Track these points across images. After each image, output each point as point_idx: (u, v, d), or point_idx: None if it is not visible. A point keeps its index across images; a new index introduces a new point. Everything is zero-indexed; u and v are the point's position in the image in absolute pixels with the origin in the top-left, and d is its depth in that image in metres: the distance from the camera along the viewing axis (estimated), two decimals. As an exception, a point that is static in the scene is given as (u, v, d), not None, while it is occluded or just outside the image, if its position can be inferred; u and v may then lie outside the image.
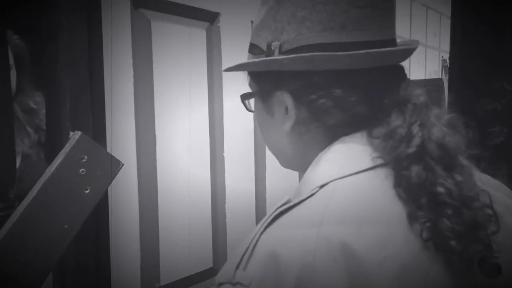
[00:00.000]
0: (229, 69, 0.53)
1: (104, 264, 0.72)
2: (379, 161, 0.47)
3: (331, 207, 0.44)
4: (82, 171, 0.63)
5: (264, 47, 0.51)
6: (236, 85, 1.08)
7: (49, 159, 0.64)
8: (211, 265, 1.30)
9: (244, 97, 0.57)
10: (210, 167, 1.31)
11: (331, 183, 0.47)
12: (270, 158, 1.30)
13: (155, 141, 1.20)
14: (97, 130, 0.67)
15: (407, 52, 0.52)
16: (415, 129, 0.46)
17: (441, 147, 0.45)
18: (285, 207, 0.45)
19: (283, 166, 0.60)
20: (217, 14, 1.18)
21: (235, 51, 1.16)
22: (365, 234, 0.42)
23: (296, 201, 0.45)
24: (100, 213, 0.69)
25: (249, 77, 0.56)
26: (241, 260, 0.43)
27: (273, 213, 0.45)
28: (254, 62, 0.50)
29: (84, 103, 0.66)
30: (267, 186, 1.38)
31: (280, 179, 1.35)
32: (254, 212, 1.33)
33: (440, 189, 0.43)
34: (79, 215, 0.63)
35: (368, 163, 0.47)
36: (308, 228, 0.43)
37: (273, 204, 0.47)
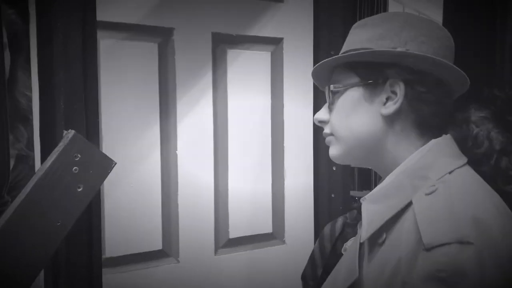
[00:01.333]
0: (363, 54, 0.66)
1: (96, 262, 0.73)
2: (466, 160, 0.64)
3: (472, 188, 0.60)
4: (75, 170, 0.63)
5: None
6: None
7: (43, 158, 0.65)
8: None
9: (346, 86, 0.69)
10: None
11: (456, 170, 0.62)
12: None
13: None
14: (90, 129, 0.68)
15: (467, 85, 0.70)
16: (492, 134, 0.64)
17: (509, 145, 0.64)
18: (434, 188, 0.60)
19: (338, 157, 0.71)
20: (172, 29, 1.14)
21: (189, 62, 1.16)
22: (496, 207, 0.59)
23: (440, 185, 0.60)
24: (92, 211, 0.69)
25: (345, 75, 0.69)
26: (457, 221, 0.55)
27: (434, 186, 0.60)
28: (396, 53, 0.64)
29: (78, 103, 0.67)
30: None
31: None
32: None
33: None
34: (71, 213, 0.64)
35: (464, 159, 0.64)
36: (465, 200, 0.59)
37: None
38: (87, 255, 0.68)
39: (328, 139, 0.72)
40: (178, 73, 1.14)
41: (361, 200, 0.67)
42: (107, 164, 0.67)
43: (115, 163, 0.68)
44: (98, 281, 0.69)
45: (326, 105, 0.72)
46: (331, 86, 0.70)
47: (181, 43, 1.14)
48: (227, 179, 1.25)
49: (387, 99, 0.66)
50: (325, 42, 1.27)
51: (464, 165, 0.64)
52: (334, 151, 0.71)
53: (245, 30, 1.21)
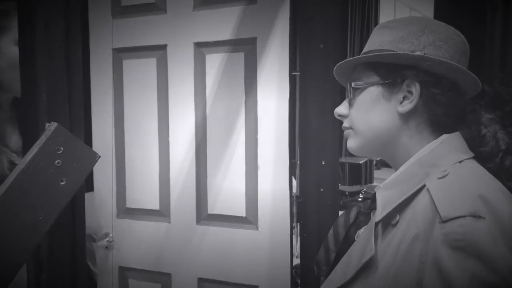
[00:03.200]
0: (385, 56, 0.72)
1: (80, 256, 0.72)
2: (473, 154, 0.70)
3: (478, 176, 0.66)
4: (58, 163, 0.62)
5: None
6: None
7: (25, 150, 0.63)
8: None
9: (366, 84, 0.75)
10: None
11: (465, 161, 0.68)
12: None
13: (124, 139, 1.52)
14: (74, 123, 0.67)
15: (479, 87, 0.75)
16: (499, 135, 0.69)
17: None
18: (446, 173, 0.66)
19: (358, 149, 0.77)
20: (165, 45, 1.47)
21: (181, 75, 1.47)
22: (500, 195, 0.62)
23: (451, 170, 0.66)
24: (75, 205, 0.68)
25: (366, 73, 0.75)
26: (466, 198, 0.61)
27: (445, 171, 0.66)
28: (416, 56, 0.70)
29: (62, 96, 0.65)
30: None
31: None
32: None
33: None
34: (54, 207, 0.63)
35: (471, 153, 0.70)
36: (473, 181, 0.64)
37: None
38: (71, 249, 0.67)
39: (346, 132, 0.78)
40: (170, 80, 1.47)
41: (375, 189, 0.72)
42: (91, 157, 0.66)
43: (99, 156, 0.66)
44: (82, 275, 0.68)
45: (347, 100, 0.78)
46: (353, 83, 0.76)
47: (171, 55, 1.46)
48: (206, 167, 1.46)
49: (404, 98, 0.72)
50: (312, 35, 1.26)
51: (471, 158, 0.70)
52: (352, 144, 0.78)
53: (222, 35, 1.38)
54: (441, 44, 0.71)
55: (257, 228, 1.40)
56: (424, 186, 0.66)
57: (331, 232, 0.86)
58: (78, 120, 0.68)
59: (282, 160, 1.35)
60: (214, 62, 1.42)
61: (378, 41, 0.74)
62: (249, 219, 1.41)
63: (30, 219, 0.61)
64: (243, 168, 1.40)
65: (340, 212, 1.26)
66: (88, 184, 1.51)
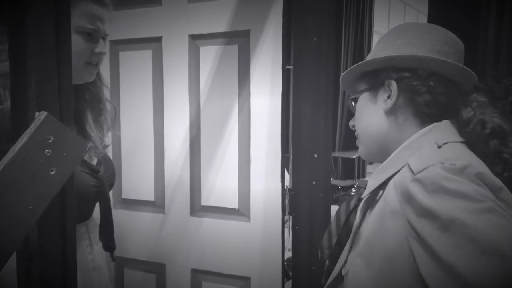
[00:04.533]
0: (359, 66, 0.80)
1: (70, 247, 0.72)
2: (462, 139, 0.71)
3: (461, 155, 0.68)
4: (48, 152, 0.62)
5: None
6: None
7: (14, 140, 0.63)
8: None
9: (358, 93, 0.82)
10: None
11: (449, 143, 0.70)
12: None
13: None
14: (64, 112, 0.66)
15: (469, 73, 0.76)
16: (486, 117, 0.70)
17: (502, 129, 0.69)
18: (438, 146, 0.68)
19: (365, 156, 0.83)
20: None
21: (176, 68, 1.46)
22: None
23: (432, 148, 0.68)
24: (66, 195, 0.68)
25: (358, 84, 0.82)
26: (436, 155, 0.65)
27: (433, 143, 0.69)
28: (381, 58, 0.76)
29: (51, 84, 0.65)
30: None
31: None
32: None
33: (506, 155, 0.68)
34: (44, 196, 0.62)
35: (460, 138, 0.72)
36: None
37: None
38: (61, 240, 0.66)
39: (357, 141, 0.85)
40: (165, 72, 1.47)
41: (370, 176, 0.78)
42: (81, 147, 0.65)
43: (89, 146, 0.66)
44: (73, 266, 0.68)
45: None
46: (350, 96, 0.84)
47: (166, 48, 1.46)
48: (200, 159, 1.46)
49: (388, 97, 0.77)
50: (304, 27, 1.26)
51: (459, 142, 0.72)
52: (360, 151, 0.84)
53: (216, 28, 1.38)
54: (415, 42, 0.75)
55: (249, 220, 1.40)
56: (406, 164, 0.69)
57: (333, 218, 0.89)
58: (68, 110, 0.67)
59: (274, 153, 1.35)
60: (209, 54, 1.41)
61: (371, 54, 0.82)
62: (241, 211, 1.42)
63: (19, 209, 0.61)
64: (236, 160, 1.41)
65: (332, 206, 1.27)
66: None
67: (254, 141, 1.38)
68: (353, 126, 0.86)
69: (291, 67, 1.34)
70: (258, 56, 1.35)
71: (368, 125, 0.81)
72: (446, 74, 0.75)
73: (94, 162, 1.02)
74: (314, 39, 1.24)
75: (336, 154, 5.53)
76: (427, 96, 0.74)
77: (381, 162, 0.78)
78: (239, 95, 1.39)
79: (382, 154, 0.80)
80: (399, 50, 0.76)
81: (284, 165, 1.37)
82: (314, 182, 1.30)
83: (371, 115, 0.80)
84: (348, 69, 0.82)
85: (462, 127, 0.72)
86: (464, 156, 0.68)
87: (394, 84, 0.76)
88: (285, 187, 1.38)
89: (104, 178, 1.03)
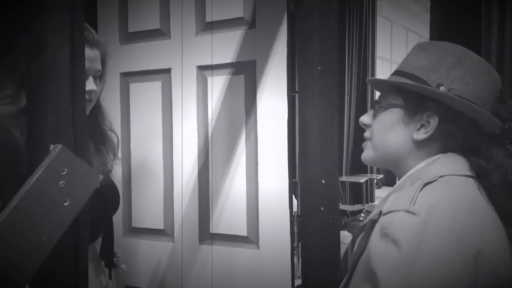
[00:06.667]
0: (411, 86, 0.76)
1: (82, 278, 0.72)
2: (473, 174, 0.72)
3: (452, 194, 0.67)
4: (62, 184, 0.64)
5: (433, 85, 0.74)
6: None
7: (30, 171, 0.65)
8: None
9: (389, 106, 0.79)
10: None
11: (447, 176, 0.70)
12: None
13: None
14: (78, 143, 0.68)
15: (499, 125, 0.77)
16: (509, 170, 0.71)
17: None
18: (430, 180, 0.69)
19: (370, 161, 0.83)
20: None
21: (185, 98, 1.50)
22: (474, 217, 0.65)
23: (430, 180, 0.70)
24: (79, 225, 0.69)
25: (392, 94, 0.79)
26: (411, 201, 0.66)
27: (424, 182, 0.69)
28: (433, 91, 0.73)
29: (66, 117, 0.67)
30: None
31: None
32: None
33: None
34: (57, 227, 0.64)
35: (469, 173, 0.72)
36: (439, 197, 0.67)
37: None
38: (73, 271, 0.67)
39: (365, 143, 0.84)
40: (174, 102, 1.51)
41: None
42: (94, 178, 0.67)
43: (102, 177, 0.68)
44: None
45: (372, 111, 0.83)
46: (380, 103, 0.82)
47: (175, 79, 1.50)
48: (208, 186, 1.47)
49: (421, 126, 0.75)
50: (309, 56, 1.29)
51: (463, 176, 0.71)
52: (366, 154, 0.84)
53: (223, 59, 1.42)
54: (469, 81, 0.73)
55: (258, 248, 1.40)
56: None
57: (350, 238, 0.91)
58: (82, 142, 0.70)
59: (282, 180, 1.36)
60: (216, 84, 1.45)
61: (412, 64, 0.77)
62: (250, 239, 1.41)
63: (33, 240, 0.62)
64: (244, 187, 1.41)
65: (342, 231, 1.26)
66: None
67: (261, 168, 1.39)
68: (364, 125, 0.84)
69: (296, 94, 1.37)
70: (264, 85, 1.38)
71: (391, 142, 0.79)
72: (483, 124, 0.75)
73: (98, 185, 1.07)
74: (318, 68, 1.27)
75: (344, 178, 5.50)
76: (460, 141, 0.74)
77: (382, 168, 0.82)
78: (246, 123, 1.42)
79: (389, 166, 0.82)
80: (452, 83, 0.73)
81: (292, 191, 1.38)
82: (322, 208, 1.29)
83: (398, 134, 0.78)
84: (388, 80, 0.79)
85: (479, 168, 0.73)
86: (449, 197, 0.67)
87: (435, 120, 0.74)
88: (293, 213, 1.38)
89: (107, 201, 1.08)
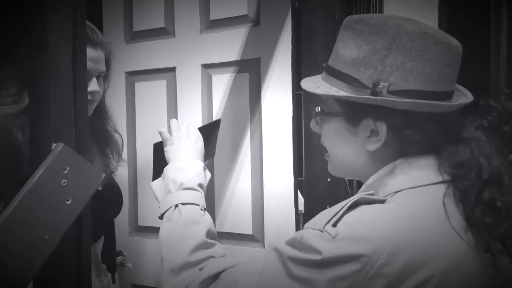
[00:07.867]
0: (334, 96, 0.64)
1: (85, 276, 0.72)
2: (442, 179, 0.61)
3: (404, 217, 0.57)
4: (64, 182, 0.63)
5: (369, 84, 0.60)
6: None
7: (32, 170, 0.65)
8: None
9: (328, 114, 0.68)
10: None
11: (405, 190, 0.60)
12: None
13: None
14: (79, 142, 0.68)
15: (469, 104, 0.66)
16: (484, 162, 0.59)
17: (500, 175, 0.59)
18: (369, 197, 0.60)
19: (333, 173, 0.75)
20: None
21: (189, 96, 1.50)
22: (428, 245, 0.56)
23: (377, 198, 0.60)
24: (82, 224, 0.69)
25: (330, 101, 0.67)
26: (331, 219, 0.58)
27: (358, 195, 0.60)
28: (369, 99, 0.60)
29: (68, 115, 0.67)
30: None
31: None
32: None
33: (499, 204, 0.58)
34: (60, 226, 0.63)
35: (434, 179, 0.61)
36: (382, 226, 0.57)
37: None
38: (76, 270, 0.67)
39: (326, 154, 0.75)
40: (179, 100, 1.50)
41: None
42: (96, 176, 0.67)
43: (104, 175, 0.68)
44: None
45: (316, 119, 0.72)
46: (317, 108, 0.70)
47: (180, 77, 1.49)
48: (213, 185, 1.44)
49: (371, 132, 0.63)
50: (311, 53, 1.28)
51: (425, 185, 0.60)
52: (330, 168, 0.76)
53: (227, 57, 1.40)
54: (412, 66, 0.58)
55: (263, 246, 1.39)
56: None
57: None
58: (84, 140, 0.70)
59: (287, 178, 1.35)
60: (221, 82, 1.44)
61: (341, 55, 0.64)
62: (255, 237, 1.41)
63: (35, 239, 0.62)
64: (249, 186, 1.41)
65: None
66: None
67: (266, 166, 1.38)
68: (320, 140, 0.73)
69: (302, 92, 1.35)
70: (269, 83, 1.37)
71: (343, 155, 0.69)
72: (445, 111, 0.62)
73: (100, 187, 1.06)
74: (323, 65, 1.25)
75: (352, 177, 5.46)
76: (420, 143, 0.62)
77: (351, 178, 0.77)
78: (250, 121, 1.41)
79: (355, 177, 0.75)
80: (391, 77, 0.59)
81: (297, 189, 1.37)
82: (328, 206, 1.28)
83: (348, 147, 0.67)
84: (310, 90, 0.66)
85: (451, 166, 0.61)
86: (383, 220, 0.57)
87: (383, 128, 0.62)
88: (299, 211, 1.37)
89: (109, 202, 1.07)
